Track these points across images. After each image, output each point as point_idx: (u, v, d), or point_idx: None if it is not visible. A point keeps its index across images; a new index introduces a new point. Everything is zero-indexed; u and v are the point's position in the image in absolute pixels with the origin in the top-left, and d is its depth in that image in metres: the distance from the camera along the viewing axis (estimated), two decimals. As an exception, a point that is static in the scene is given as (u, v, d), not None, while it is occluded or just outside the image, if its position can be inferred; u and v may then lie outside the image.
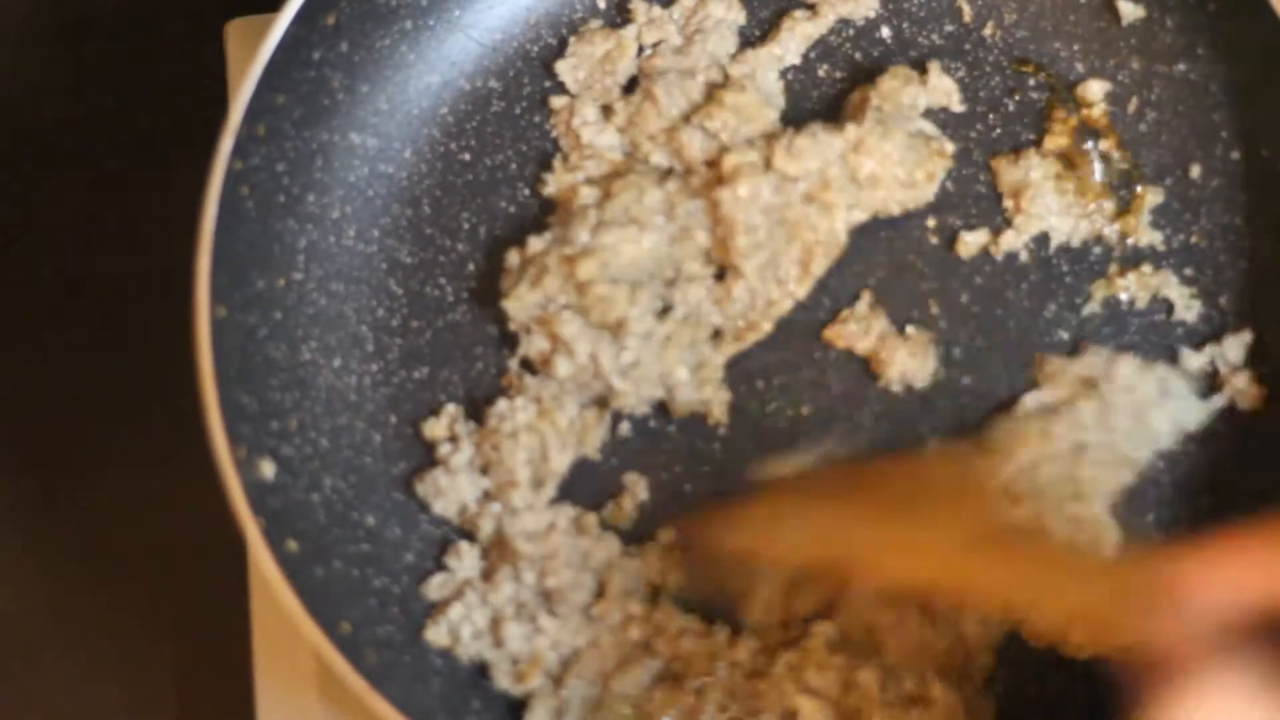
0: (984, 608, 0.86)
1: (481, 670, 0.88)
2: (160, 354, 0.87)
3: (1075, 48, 0.96)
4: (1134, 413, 0.90)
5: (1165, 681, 0.58)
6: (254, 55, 0.87)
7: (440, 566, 0.90)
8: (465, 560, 0.90)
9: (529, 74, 0.97)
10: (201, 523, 0.87)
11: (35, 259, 1.06)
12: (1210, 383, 0.92)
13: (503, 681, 0.88)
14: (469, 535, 0.91)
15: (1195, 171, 0.94)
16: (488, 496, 0.91)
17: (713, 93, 0.95)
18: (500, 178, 0.96)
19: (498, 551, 0.90)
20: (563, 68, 0.97)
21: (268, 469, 0.86)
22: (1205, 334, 0.93)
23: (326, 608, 0.83)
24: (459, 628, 0.88)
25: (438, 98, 0.96)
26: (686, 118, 0.94)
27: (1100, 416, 0.90)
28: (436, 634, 0.88)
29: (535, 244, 0.93)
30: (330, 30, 0.91)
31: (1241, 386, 0.91)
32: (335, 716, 0.91)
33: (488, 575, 0.90)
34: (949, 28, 0.97)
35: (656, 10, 0.97)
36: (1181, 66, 0.95)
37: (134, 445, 1.02)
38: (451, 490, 0.91)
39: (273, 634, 0.92)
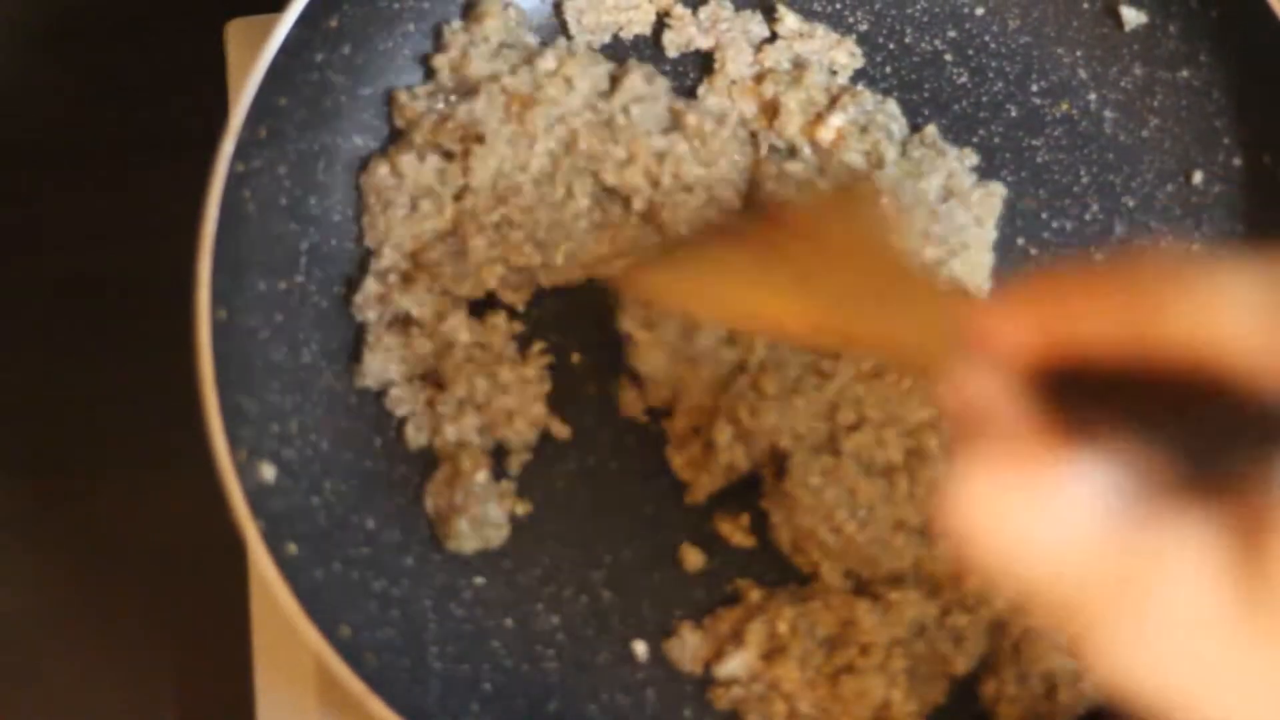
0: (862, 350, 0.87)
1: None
2: (160, 354, 0.86)
3: (1078, 54, 0.96)
4: None
5: (969, 440, 0.55)
6: (254, 56, 0.87)
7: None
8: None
9: (531, 77, 0.97)
10: (201, 523, 0.87)
11: (35, 259, 1.05)
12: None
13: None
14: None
15: (1197, 178, 0.94)
16: None
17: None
18: (502, 180, 0.96)
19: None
20: (570, 8, 0.97)
21: (268, 472, 0.86)
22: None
23: (326, 610, 0.83)
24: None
25: (440, 101, 0.96)
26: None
27: None
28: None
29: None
30: (333, 33, 0.91)
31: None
32: (335, 719, 0.92)
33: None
34: (951, 33, 0.97)
35: (679, 9, 0.97)
36: (1184, 73, 0.95)
37: (134, 445, 1.02)
38: None
39: (273, 635, 0.92)
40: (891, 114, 0.95)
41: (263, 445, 0.86)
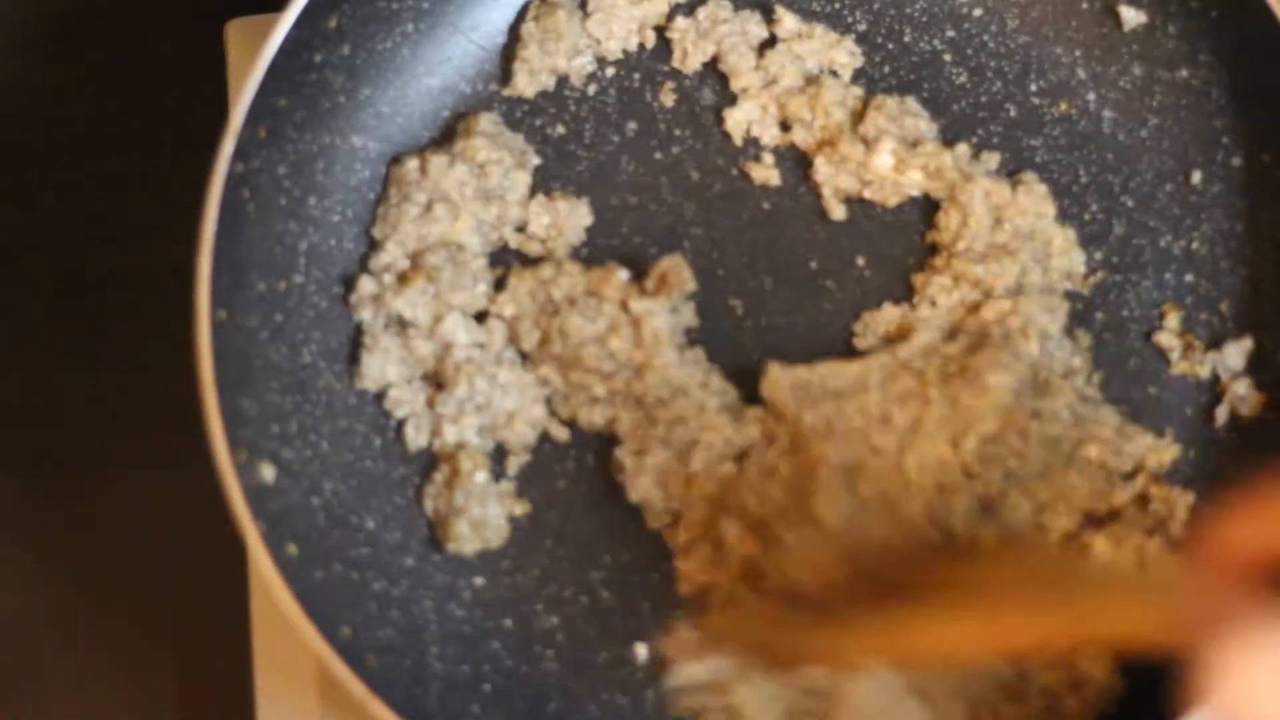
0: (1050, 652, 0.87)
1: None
2: (160, 354, 0.87)
3: (1077, 54, 0.96)
4: None
5: (1210, 643, 0.57)
6: (254, 55, 0.87)
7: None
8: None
9: (530, 77, 0.97)
10: (201, 523, 0.87)
11: (35, 259, 1.05)
12: (1211, 390, 0.93)
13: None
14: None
15: (1196, 177, 0.94)
16: None
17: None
18: (502, 181, 0.96)
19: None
20: (592, 24, 0.97)
21: (268, 472, 0.86)
22: (1206, 340, 0.93)
23: (326, 611, 0.84)
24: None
25: (439, 101, 0.96)
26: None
27: None
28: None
29: None
30: (332, 33, 0.91)
31: (1242, 393, 0.91)
32: (336, 719, 0.92)
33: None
34: (950, 33, 0.97)
35: (681, 20, 0.98)
36: (1183, 72, 0.95)
37: (134, 445, 1.02)
38: None
39: (273, 636, 0.92)
40: (914, 110, 0.95)
41: (262, 446, 0.86)
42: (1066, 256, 0.94)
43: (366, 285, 0.92)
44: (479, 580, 0.91)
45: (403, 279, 0.92)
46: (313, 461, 0.89)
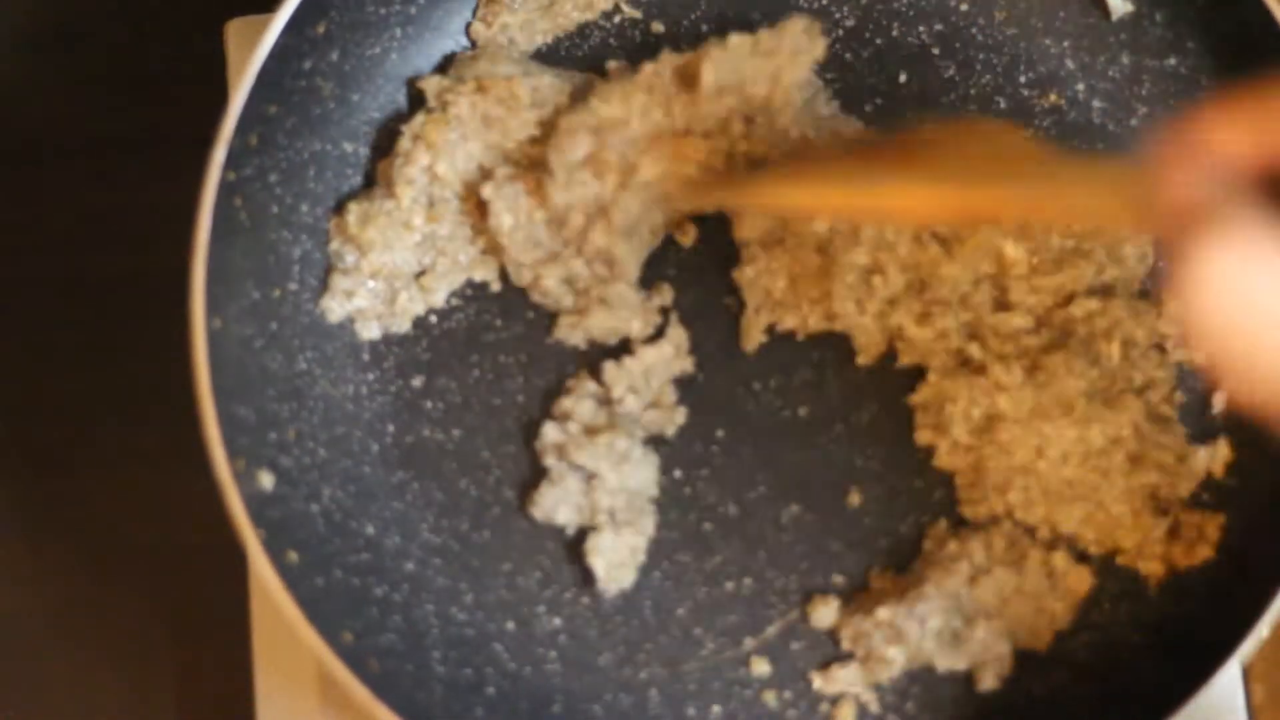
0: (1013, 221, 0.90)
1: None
2: (160, 354, 0.87)
3: (1065, 44, 0.96)
4: None
5: (1185, 239, 0.57)
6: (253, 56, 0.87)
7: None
8: None
9: (519, 79, 0.97)
10: (201, 523, 0.87)
11: (35, 259, 1.06)
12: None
13: None
14: None
15: (1187, 167, 0.95)
16: None
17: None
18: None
19: None
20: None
21: (266, 480, 0.86)
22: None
23: (328, 617, 0.84)
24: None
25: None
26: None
27: None
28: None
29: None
30: (321, 39, 0.91)
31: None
32: (336, 720, 0.92)
33: None
34: (938, 27, 0.97)
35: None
36: (1171, 61, 0.95)
37: (134, 445, 1.02)
38: None
39: (273, 637, 0.93)
40: None
41: (260, 453, 0.87)
42: (1138, 246, 0.93)
43: (552, 434, 0.92)
44: (480, 582, 0.92)
45: (590, 431, 0.92)
46: (311, 468, 0.90)
